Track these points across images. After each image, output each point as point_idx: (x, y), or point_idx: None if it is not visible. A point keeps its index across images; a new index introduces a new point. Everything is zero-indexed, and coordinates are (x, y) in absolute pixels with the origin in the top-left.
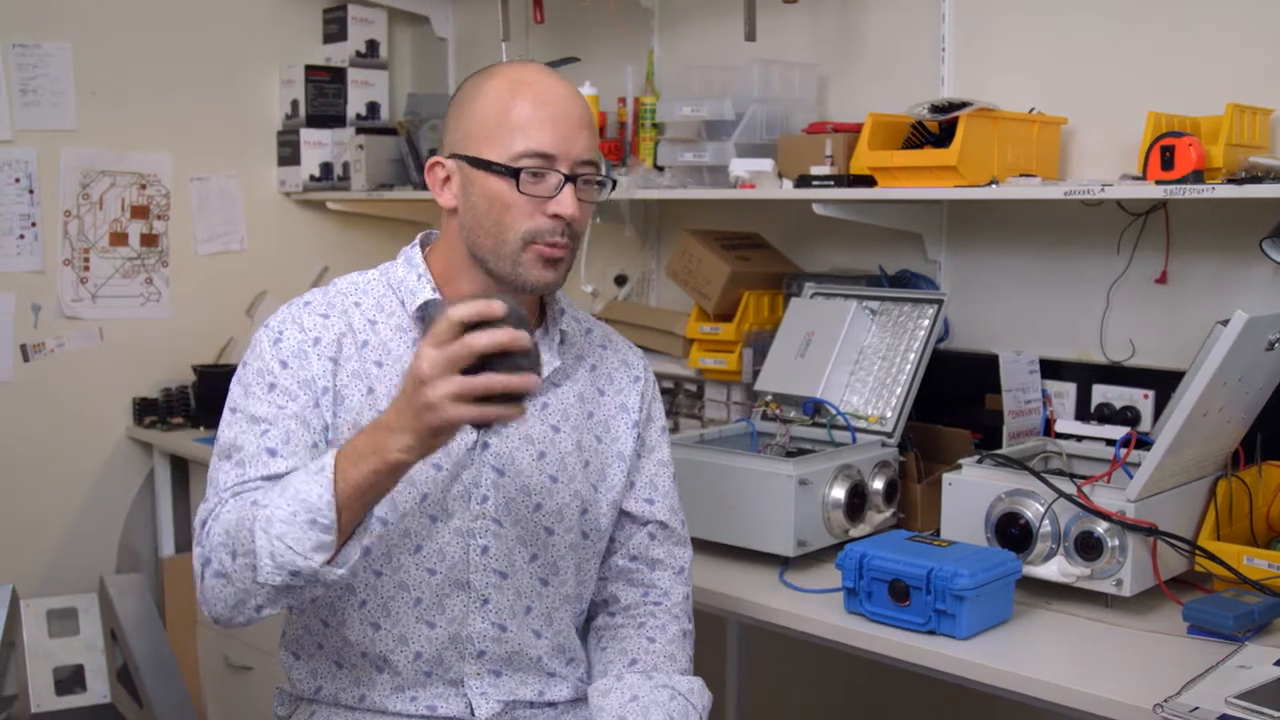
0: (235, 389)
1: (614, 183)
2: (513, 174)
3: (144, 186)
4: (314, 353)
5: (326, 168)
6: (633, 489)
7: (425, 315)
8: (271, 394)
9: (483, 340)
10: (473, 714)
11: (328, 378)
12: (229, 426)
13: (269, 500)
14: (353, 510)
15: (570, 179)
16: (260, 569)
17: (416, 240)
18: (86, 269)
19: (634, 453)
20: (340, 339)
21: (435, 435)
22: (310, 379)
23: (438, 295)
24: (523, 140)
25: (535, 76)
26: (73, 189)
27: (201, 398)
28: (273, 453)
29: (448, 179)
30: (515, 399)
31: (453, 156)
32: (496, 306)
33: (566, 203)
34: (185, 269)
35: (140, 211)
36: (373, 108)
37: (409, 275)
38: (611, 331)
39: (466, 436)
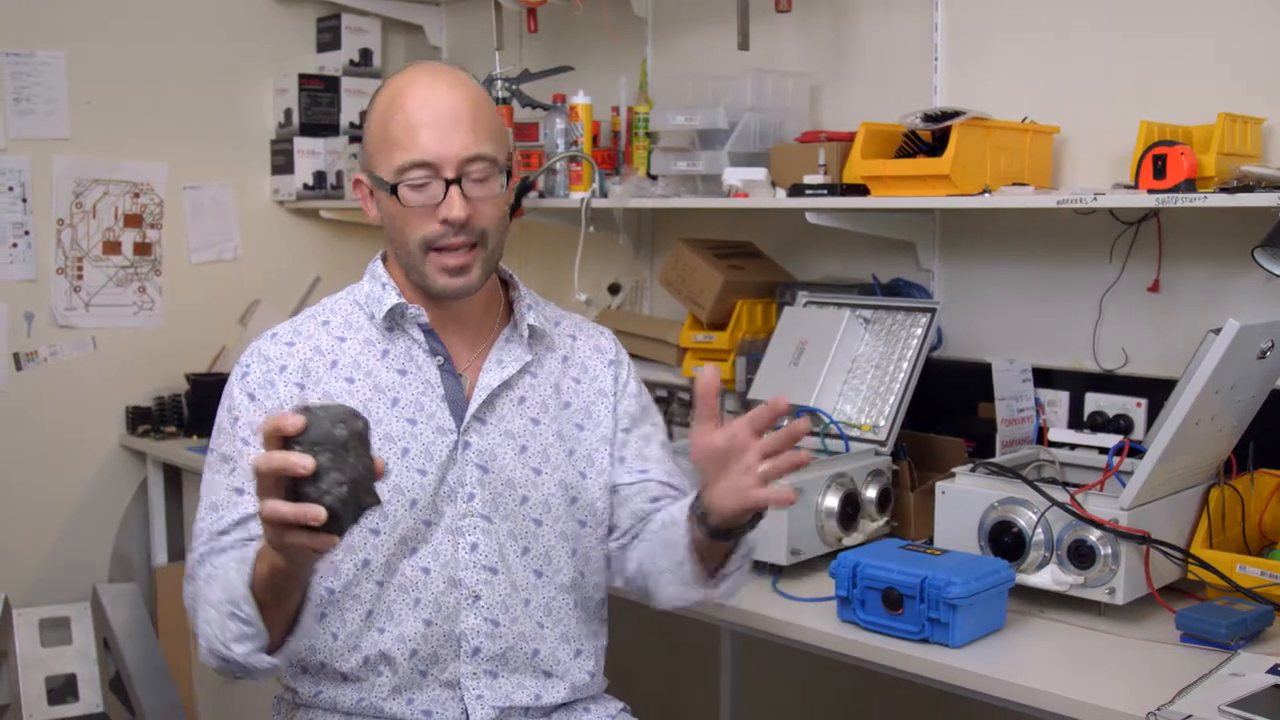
0: (213, 430)
1: (508, 172)
2: (393, 190)
3: (137, 195)
4: (280, 380)
5: (320, 176)
6: (623, 463)
7: (392, 323)
8: (236, 427)
9: (259, 463)
10: (467, 719)
11: (295, 403)
12: (207, 469)
13: (213, 583)
14: (273, 602)
15: (455, 180)
16: (200, 651)
17: (379, 255)
18: (80, 278)
19: (617, 432)
20: (307, 363)
21: (285, 555)
22: (277, 408)
23: (402, 300)
24: (400, 154)
25: (412, 82)
26: (66, 197)
27: (195, 406)
28: (240, 491)
29: (370, 193)
30: (324, 526)
31: (365, 172)
32: (289, 422)
33: (452, 206)
34: (178, 278)
35: (134, 220)
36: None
37: (374, 287)
38: (581, 320)
39: (446, 438)
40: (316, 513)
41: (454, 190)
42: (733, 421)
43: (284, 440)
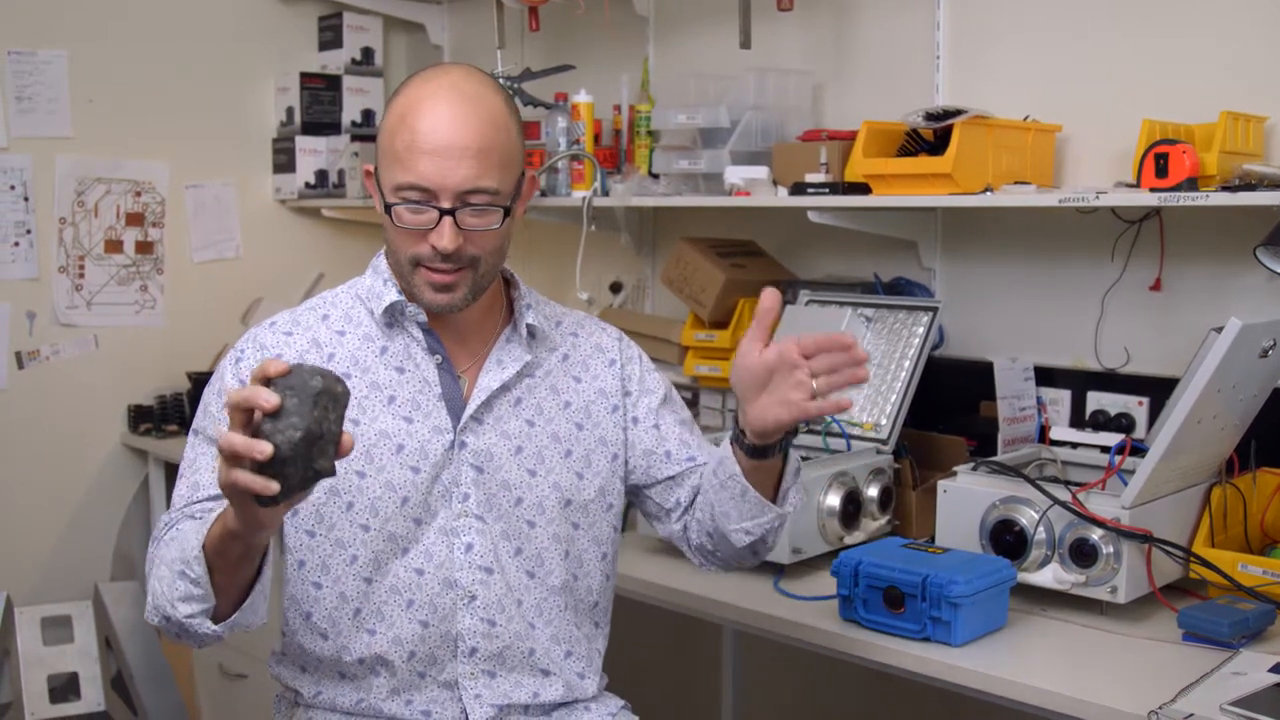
0: (198, 409)
1: (507, 211)
2: (388, 209)
3: (139, 194)
4: None
5: (322, 175)
6: (670, 457)
7: (392, 320)
8: (224, 412)
9: (232, 394)
10: (466, 719)
11: None
12: (189, 447)
13: (172, 544)
14: (223, 566)
15: (450, 211)
16: (145, 606)
17: (382, 250)
18: (81, 276)
19: (645, 430)
20: (303, 355)
21: (233, 502)
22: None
23: (401, 298)
24: (400, 173)
25: (430, 99)
26: (68, 196)
27: (196, 405)
28: None
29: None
30: (270, 467)
31: (375, 165)
32: (274, 365)
33: (442, 237)
34: (180, 276)
35: (135, 219)
36: (368, 115)
37: (376, 282)
38: (584, 318)
39: (442, 438)
40: (263, 447)
41: (447, 221)
42: (782, 340)
43: (265, 382)
